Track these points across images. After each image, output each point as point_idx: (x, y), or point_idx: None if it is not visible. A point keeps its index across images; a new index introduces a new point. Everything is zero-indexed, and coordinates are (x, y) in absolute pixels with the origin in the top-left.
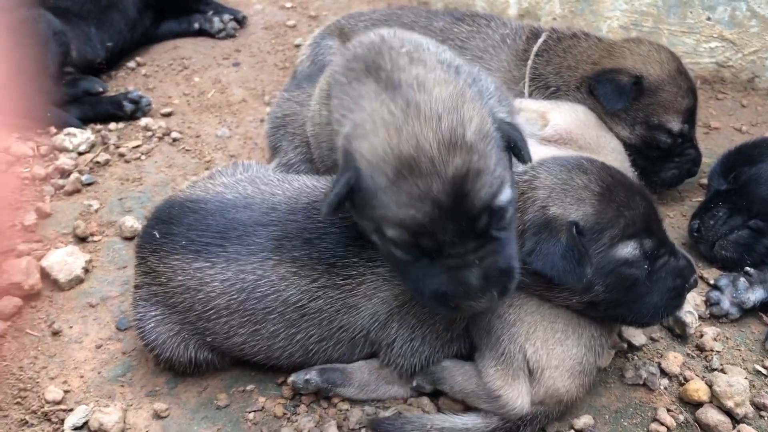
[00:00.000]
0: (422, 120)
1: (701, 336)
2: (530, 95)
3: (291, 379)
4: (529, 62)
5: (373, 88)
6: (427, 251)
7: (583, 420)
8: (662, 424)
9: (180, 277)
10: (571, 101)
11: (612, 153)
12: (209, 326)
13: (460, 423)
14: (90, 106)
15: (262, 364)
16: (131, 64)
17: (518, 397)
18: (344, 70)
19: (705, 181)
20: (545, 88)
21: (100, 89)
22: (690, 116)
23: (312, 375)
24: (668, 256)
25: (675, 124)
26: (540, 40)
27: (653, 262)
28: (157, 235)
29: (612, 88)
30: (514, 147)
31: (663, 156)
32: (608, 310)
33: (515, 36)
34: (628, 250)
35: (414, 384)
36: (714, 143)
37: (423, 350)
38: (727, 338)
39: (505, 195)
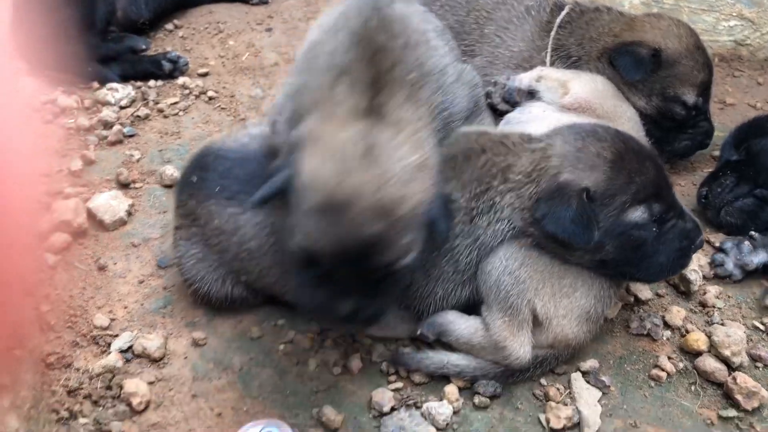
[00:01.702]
0: (372, 174)
1: (704, 293)
2: (552, 64)
3: None
4: (552, 33)
5: (363, 101)
6: (320, 267)
7: (589, 363)
8: (663, 369)
9: (216, 221)
10: (591, 71)
11: (628, 122)
12: (243, 266)
13: (474, 362)
14: (130, 64)
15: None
16: (169, 26)
17: (521, 347)
18: (347, 36)
19: (717, 153)
20: (567, 58)
21: (143, 47)
22: (705, 90)
23: None
24: (676, 218)
25: (690, 97)
26: (563, 13)
27: (661, 225)
28: (195, 180)
29: (631, 59)
30: (433, 231)
31: (677, 127)
32: (617, 268)
33: (539, 8)
34: (637, 214)
35: (418, 333)
36: (728, 119)
37: (437, 292)
38: (729, 296)
39: (406, 260)
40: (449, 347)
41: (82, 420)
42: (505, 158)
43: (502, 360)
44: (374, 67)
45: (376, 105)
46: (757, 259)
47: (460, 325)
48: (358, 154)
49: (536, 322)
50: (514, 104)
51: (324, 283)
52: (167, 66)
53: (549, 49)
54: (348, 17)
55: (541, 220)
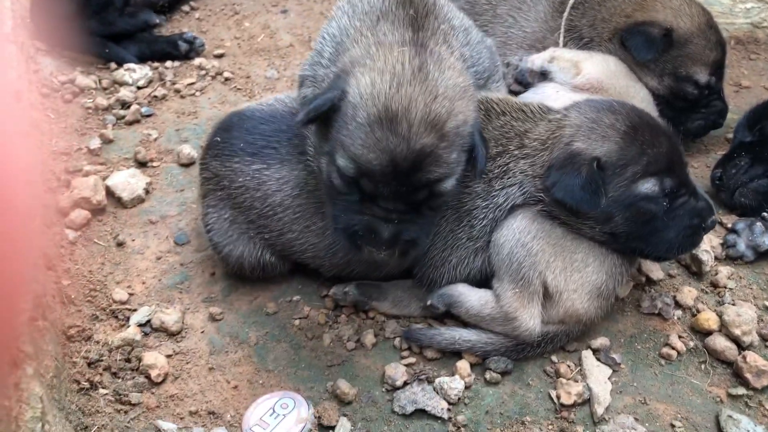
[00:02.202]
0: (423, 89)
1: (716, 274)
2: (564, 45)
3: (332, 291)
4: (565, 14)
5: (407, 35)
6: (362, 192)
7: (600, 341)
8: (673, 348)
9: (241, 179)
10: (603, 52)
11: (641, 103)
12: (267, 223)
13: (485, 338)
14: (147, 44)
15: (308, 264)
16: (185, 8)
17: (531, 319)
18: None
19: (731, 135)
20: (579, 39)
21: (157, 21)
22: (717, 69)
23: (350, 288)
24: (688, 196)
25: (702, 76)
26: None
27: (672, 200)
28: (219, 140)
29: (643, 39)
30: (474, 156)
31: (690, 107)
32: (627, 242)
33: None
34: (648, 186)
35: (428, 303)
36: (743, 101)
37: (451, 259)
38: (741, 277)
39: (448, 184)
40: (461, 324)
41: (102, 391)
42: (524, 123)
43: (511, 332)
44: (413, 10)
45: (421, 39)
46: None
47: (471, 296)
48: (411, 69)
49: (547, 297)
50: (526, 85)
51: (365, 209)
52: (183, 47)
53: (562, 30)
54: None
55: (551, 187)
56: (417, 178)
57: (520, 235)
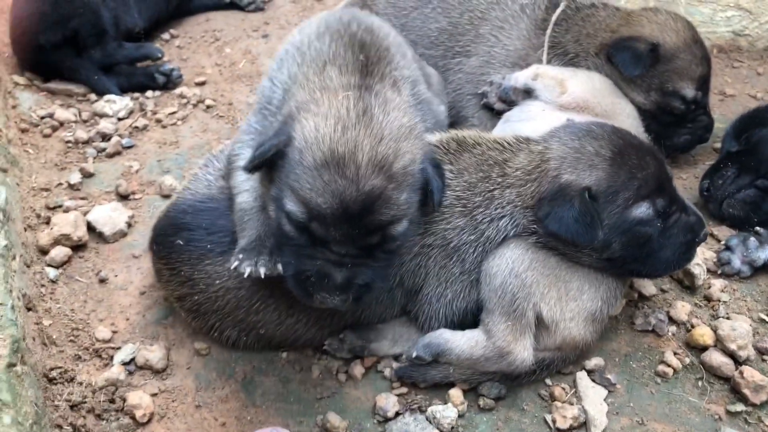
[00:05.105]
0: (368, 132)
1: (709, 287)
2: (549, 62)
3: (326, 343)
4: (548, 31)
5: (353, 80)
6: (312, 237)
7: (594, 361)
8: (669, 365)
9: (218, 281)
10: (589, 67)
11: (627, 119)
12: (259, 318)
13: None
14: (125, 76)
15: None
16: (165, 36)
17: (524, 351)
18: (331, 37)
19: (718, 145)
20: (564, 55)
21: (159, 55)
22: (704, 84)
23: (345, 333)
24: (679, 212)
25: (689, 91)
26: (559, 10)
27: (666, 220)
28: (182, 243)
29: (629, 55)
30: (429, 189)
31: (676, 122)
32: (624, 266)
33: (534, 6)
34: (642, 210)
35: (414, 356)
36: (729, 110)
37: (446, 294)
38: (734, 290)
39: (401, 227)
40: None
41: None
42: (501, 153)
43: (506, 367)
44: (363, 55)
45: (367, 84)
46: (764, 254)
47: (458, 340)
48: (356, 113)
49: (542, 327)
50: (510, 103)
51: (316, 253)
52: (161, 79)
53: (546, 47)
54: (329, 23)
55: (544, 219)
56: (369, 220)
57: (514, 264)
